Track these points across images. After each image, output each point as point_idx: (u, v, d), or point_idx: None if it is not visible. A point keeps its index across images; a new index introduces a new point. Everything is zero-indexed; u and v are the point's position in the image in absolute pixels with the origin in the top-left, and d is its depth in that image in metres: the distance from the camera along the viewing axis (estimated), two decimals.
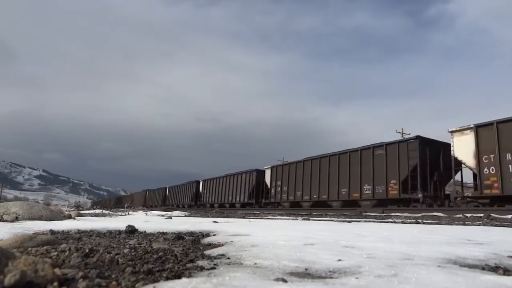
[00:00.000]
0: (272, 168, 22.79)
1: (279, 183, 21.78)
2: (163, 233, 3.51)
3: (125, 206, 40.22)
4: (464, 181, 13.80)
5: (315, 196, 18.63)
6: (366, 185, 15.92)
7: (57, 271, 1.31)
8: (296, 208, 19.29)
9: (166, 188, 41.96)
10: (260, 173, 24.18)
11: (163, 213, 13.32)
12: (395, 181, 14.72)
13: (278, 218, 9.76)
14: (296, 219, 8.88)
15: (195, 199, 33.01)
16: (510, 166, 11.49)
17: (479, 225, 6.30)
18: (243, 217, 9.94)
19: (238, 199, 25.72)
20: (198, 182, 33.07)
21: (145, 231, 3.69)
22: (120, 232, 3.60)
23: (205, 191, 31.07)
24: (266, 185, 23.15)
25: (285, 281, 1.40)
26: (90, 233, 3.49)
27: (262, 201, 23.28)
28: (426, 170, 14.29)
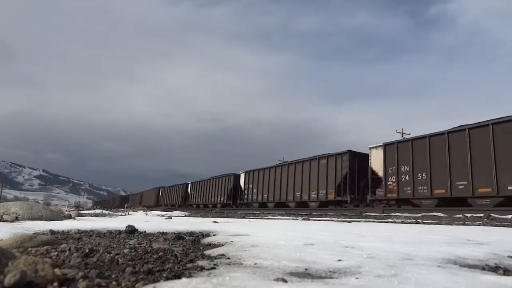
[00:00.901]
0: (386, 146, 14.57)
1: (405, 168, 13.58)
2: (163, 233, 3.51)
3: (125, 206, 40.02)
4: None
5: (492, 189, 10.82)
6: None
7: (57, 271, 1.31)
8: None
9: (187, 184, 35.32)
10: (357, 157, 16.51)
11: (163, 213, 13.36)
12: None
13: (278, 218, 9.76)
14: (296, 219, 8.88)
15: (232, 197, 26.00)
16: None
17: (479, 225, 6.30)
18: (243, 217, 9.94)
19: (313, 195, 17.78)
20: (236, 176, 26.05)
21: (145, 231, 3.70)
22: (120, 232, 3.60)
23: (250, 186, 23.69)
24: (374, 174, 15.22)
25: (285, 281, 1.40)
26: (90, 233, 3.50)
27: (368, 197, 15.38)
28: None
